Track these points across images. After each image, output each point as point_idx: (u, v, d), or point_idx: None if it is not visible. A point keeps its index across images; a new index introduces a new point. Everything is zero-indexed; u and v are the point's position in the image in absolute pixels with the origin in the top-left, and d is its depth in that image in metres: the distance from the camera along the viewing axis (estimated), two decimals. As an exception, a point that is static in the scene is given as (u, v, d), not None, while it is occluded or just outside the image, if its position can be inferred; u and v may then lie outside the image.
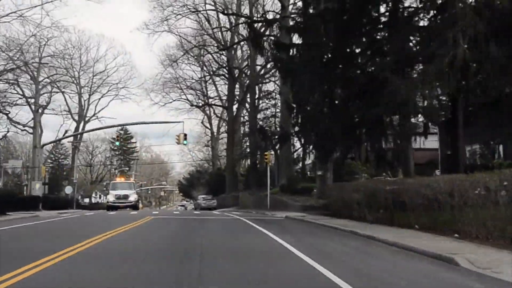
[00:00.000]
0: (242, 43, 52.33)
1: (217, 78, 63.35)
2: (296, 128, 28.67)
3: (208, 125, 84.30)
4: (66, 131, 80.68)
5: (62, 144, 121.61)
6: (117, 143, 39.50)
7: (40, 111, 74.57)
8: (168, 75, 60.65)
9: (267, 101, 46.81)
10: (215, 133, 74.01)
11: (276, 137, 30.59)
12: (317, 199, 32.23)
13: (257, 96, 51.86)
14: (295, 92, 25.42)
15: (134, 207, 39.25)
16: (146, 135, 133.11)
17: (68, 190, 64.22)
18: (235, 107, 55.79)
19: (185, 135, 39.17)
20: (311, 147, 32.50)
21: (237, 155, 52.22)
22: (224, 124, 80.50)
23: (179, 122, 41.15)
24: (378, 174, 38.77)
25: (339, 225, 18.00)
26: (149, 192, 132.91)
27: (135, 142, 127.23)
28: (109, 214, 28.71)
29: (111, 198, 41.22)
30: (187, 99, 60.36)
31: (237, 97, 56.10)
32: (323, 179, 32.76)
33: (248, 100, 51.10)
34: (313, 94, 24.34)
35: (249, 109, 47.25)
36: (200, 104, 61.63)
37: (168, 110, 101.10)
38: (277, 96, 46.09)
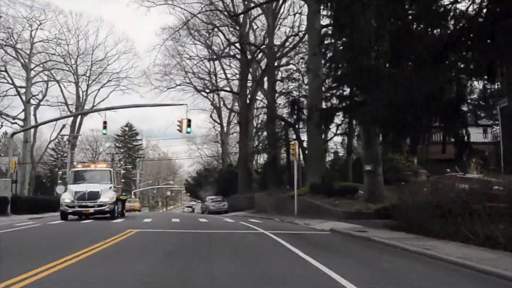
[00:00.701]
0: (258, 16, 43.52)
1: (227, 67, 54.58)
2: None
3: (217, 118, 75.92)
4: (63, 126, 72.56)
5: (65, 141, 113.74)
6: (104, 132, 30.46)
7: (31, 101, 66.25)
8: (172, 61, 51.88)
9: (290, 83, 37.76)
10: (225, 127, 65.23)
11: (318, 113, 21.66)
12: (366, 203, 23.30)
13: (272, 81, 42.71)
14: (350, 42, 16.39)
15: (110, 213, 24.16)
16: (152, 133, 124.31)
17: (59, 189, 55.59)
18: (247, 97, 46.82)
19: (189, 121, 30.37)
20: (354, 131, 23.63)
21: (252, 148, 43.21)
22: (235, 116, 71.64)
23: (182, 104, 32.24)
24: (435, 171, 29.79)
25: (490, 266, 8.94)
26: (155, 192, 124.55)
27: (141, 139, 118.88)
28: (77, 226, 19.80)
29: (67, 198, 24.12)
30: (191, 83, 51.25)
31: (250, 84, 47.16)
32: (372, 176, 23.78)
33: (265, 84, 42.23)
34: (380, 42, 15.40)
35: (267, 94, 38.20)
36: (207, 91, 52.57)
37: (172, 100, 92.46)
38: (300, 77, 37.27)
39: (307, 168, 30.70)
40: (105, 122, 31.16)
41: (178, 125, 30.52)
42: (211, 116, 78.08)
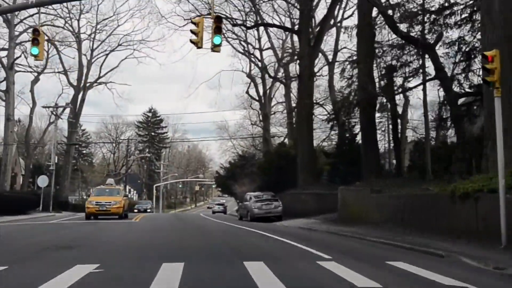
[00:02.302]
0: None
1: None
2: None
3: (254, 94, 59.03)
4: (67, 104, 56.25)
5: (83, 130, 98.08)
6: (34, 50, 12.86)
7: (13, 67, 50.05)
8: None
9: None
10: (265, 103, 47.70)
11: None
12: None
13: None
14: None
15: None
16: (179, 121, 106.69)
17: (41, 181, 39.14)
18: (311, 37, 28.78)
19: (218, 21, 12.85)
20: None
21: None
22: (278, 90, 54.05)
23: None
24: None
25: None
26: (181, 186, 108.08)
27: (166, 127, 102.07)
28: None
29: None
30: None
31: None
32: None
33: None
34: None
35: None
36: (250, 25, 34.36)
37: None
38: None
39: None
40: (36, 31, 13.92)
41: (193, 32, 12.98)
42: (247, 92, 61.09)
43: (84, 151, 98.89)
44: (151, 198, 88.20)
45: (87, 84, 55.08)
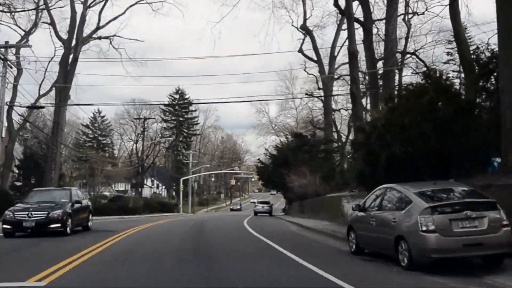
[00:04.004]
0: None
1: None
2: None
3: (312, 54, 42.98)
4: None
5: (103, 117, 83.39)
6: None
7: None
8: None
9: None
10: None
11: None
12: None
13: None
14: None
15: None
16: (211, 107, 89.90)
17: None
18: None
19: None
20: None
21: None
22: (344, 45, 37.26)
23: None
24: None
25: None
26: (214, 180, 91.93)
27: (195, 111, 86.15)
28: None
29: None
30: None
31: None
32: None
33: None
34: None
35: None
36: None
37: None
38: None
39: None
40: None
41: None
42: (300, 51, 44.88)
43: (104, 141, 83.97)
44: (178, 194, 72.74)
45: (81, 38, 39.36)
